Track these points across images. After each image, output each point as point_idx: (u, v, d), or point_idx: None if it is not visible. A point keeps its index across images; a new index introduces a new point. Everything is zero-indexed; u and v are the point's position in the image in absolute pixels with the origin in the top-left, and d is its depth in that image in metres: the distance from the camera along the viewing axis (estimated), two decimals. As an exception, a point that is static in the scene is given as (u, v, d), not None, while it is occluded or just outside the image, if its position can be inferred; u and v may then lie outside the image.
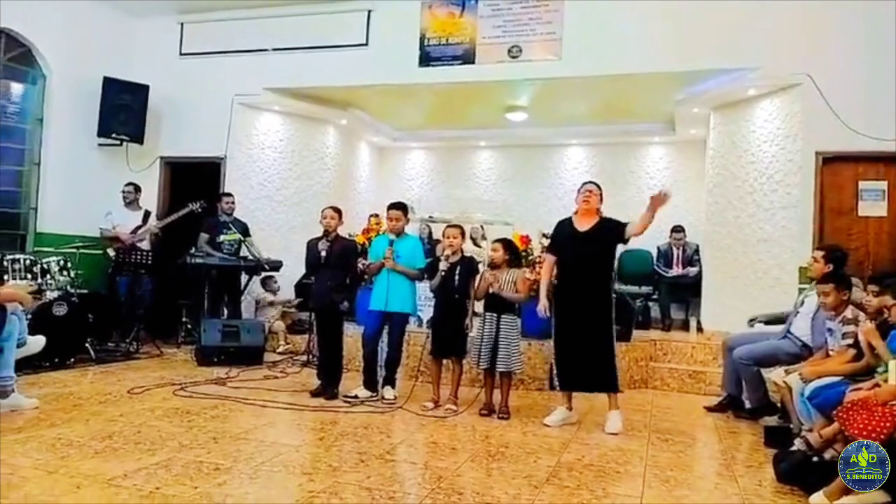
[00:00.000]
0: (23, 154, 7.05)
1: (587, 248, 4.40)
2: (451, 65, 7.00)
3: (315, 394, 4.97)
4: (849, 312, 4.05)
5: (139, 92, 7.63)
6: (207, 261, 6.72)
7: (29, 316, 4.76)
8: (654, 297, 7.85)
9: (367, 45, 7.28)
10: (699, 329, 7.06)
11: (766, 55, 6.10)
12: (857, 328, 3.81)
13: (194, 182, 7.68)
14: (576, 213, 4.57)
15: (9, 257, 5.76)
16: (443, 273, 4.76)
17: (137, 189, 7.23)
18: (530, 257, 6.27)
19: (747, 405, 4.94)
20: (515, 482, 3.20)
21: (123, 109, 7.52)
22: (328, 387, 4.99)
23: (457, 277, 4.77)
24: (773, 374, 4.46)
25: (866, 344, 3.54)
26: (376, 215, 8.03)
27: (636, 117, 8.46)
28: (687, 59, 6.35)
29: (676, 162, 8.93)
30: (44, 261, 5.90)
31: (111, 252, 6.76)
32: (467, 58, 6.95)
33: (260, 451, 3.48)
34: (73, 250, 6.34)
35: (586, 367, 4.38)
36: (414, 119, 9.31)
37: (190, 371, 5.80)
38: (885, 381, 3.20)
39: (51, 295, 5.68)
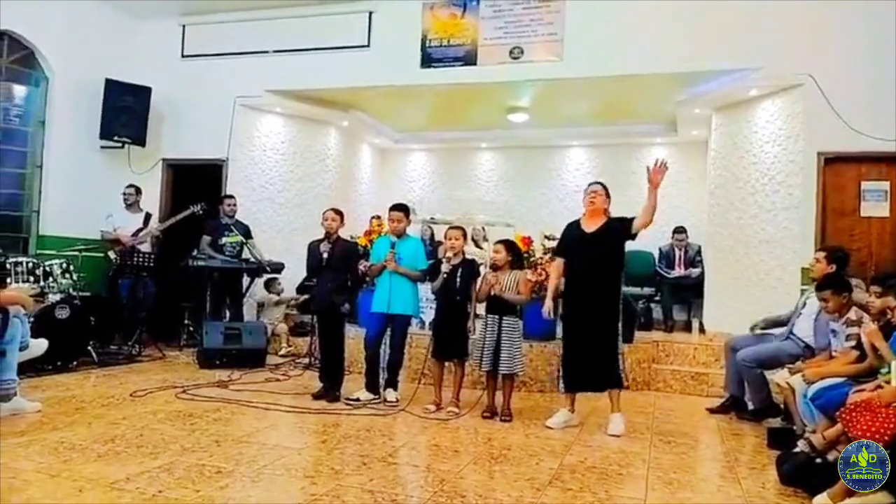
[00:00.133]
0: (25, 157, 7.06)
1: (594, 250, 4.40)
2: (453, 66, 7.00)
3: (317, 396, 4.97)
4: (852, 314, 4.05)
5: (141, 94, 7.64)
6: (209, 263, 6.72)
7: (31, 319, 4.75)
8: (657, 298, 7.84)
9: (368, 46, 7.27)
10: (701, 330, 7.06)
11: (768, 56, 6.09)
12: (860, 329, 3.80)
13: (196, 184, 7.68)
14: (584, 214, 4.57)
15: (11, 260, 5.75)
16: (444, 275, 4.76)
17: (138, 191, 7.23)
18: (532, 259, 6.27)
19: (750, 406, 4.94)
20: (518, 484, 3.19)
21: (125, 111, 7.51)
22: (330, 389, 4.99)
23: (458, 279, 4.76)
24: (777, 376, 4.45)
25: (869, 345, 3.53)
26: (378, 217, 8.03)
27: (637, 118, 8.45)
28: (688, 59, 6.34)
29: (678, 163, 8.86)
30: (46, 264, 5.90)
31: (112, 255, 6.77)
32: (469, 59, 6.94)
33: (262, 454, 3.48)
34: (76, 253, 6.34)
35: (590, 368, 4.38)
36: (415, 120, 9.31)
37: (192, 374, 5.80)
38: (888, 382, 3.19)
39: (53, 298, 5.68)
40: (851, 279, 4.42)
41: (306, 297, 7.29)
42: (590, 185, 4.62)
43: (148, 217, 7.20)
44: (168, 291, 7.14)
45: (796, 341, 4.70)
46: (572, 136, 9.27)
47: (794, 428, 4.11)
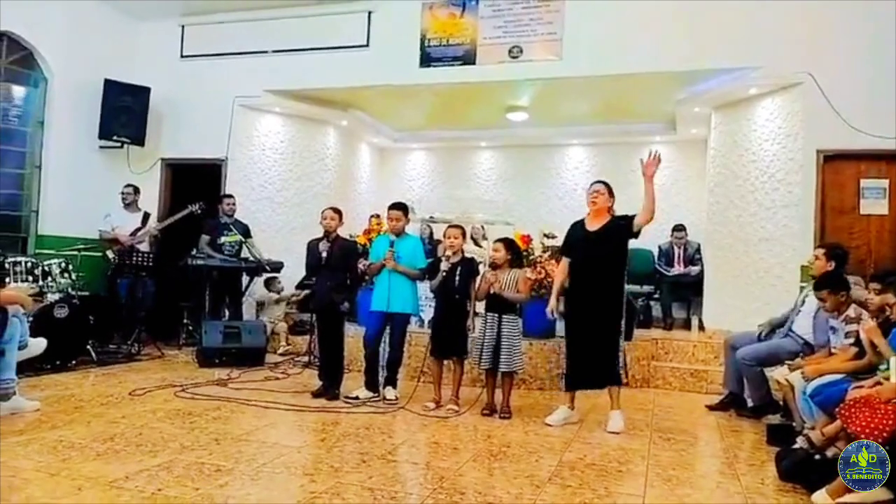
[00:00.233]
0: (24, 157, 7.06)
1: (597, 249, 4.40)
2: (452, 65, 7.00)
3: (316, 395, 4.97)
4: (851, 311, 4.05)
5: (140, 94, 7.64)
6: (208, 262, 6.73)
7: (30, 318, 4.76)
8: (656, 296, 7.85)
9: (367, 46, 7.28)
10: (701, 328, 7.05)
11: (768, 54, 6.09)
12: (859, 326, 3.81)
13: (195, 184, 7.68)
14: (588, 213, 4.57)
15: (10, 260, 5.76)
16: (443, 273, 4.77)
17: (136, 191, 7.22)
18: (531, 257, 6.27)
19: (749, 403, 4.94)
20: (517, 482, 3.19)
21: (124, 111, 7.52)
22: (329, 388, 4.99)
23: (457, 278, 4.77)
24: (776, 373, 4.45)
25: (868, 342, 3.53)
26: (377, 216, 8.03)
27: (637, 117, 8.44)
28: (688, 58, 6.34)
29: (678, 161, 8.91)
30: (45, 263, 5.90)
31: (110, 254, 6.77)
32: (468, 58, 6.94)
33: (261, 453, 3.48)
34: (75, 253, 6.34)
35: (592, 365, 4.38)
36: (414, 120, 9.31)
37: (191, 372, 5.80)
38: (887, 378, 3.20)
39: (52, 297, 5.69)
40: (850, 276, 4.43)
41: (307, 292, 7.30)
42: (592, 184, 4.62)
43: (146, 216, 7.19)
44: (167, 291, 7.14)
45: (795, 338, 4.70)
46: (572, 135, 9.27)
47: (794, 424, 4.11)
